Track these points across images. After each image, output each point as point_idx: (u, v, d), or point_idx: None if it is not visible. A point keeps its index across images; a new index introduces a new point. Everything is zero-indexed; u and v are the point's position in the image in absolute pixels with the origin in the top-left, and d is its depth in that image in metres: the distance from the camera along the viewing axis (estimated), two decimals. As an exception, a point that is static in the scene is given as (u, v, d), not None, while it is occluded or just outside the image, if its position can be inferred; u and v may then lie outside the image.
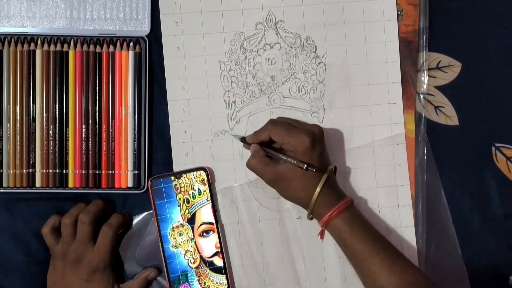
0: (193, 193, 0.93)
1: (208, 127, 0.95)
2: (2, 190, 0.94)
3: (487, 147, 0.97)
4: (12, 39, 0.94)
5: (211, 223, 0.93)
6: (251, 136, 0.91)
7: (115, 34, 0.95)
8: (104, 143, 0.94)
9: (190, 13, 0.95)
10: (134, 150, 0.94)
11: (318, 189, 0.86)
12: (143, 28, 0.95)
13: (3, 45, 0.93)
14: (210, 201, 0.93)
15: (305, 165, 0.84)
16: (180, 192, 0.93)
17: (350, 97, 0.96)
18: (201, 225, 0.93)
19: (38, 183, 0.94)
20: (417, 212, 0.96)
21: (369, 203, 0.96)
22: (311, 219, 0.89)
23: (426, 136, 0.96)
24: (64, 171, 0.94)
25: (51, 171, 0.94)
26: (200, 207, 0.93)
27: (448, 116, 0.97)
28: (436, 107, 0.97)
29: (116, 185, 0.94)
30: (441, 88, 0.98)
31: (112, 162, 0.94)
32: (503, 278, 0.96)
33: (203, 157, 0.95)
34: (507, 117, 0.98)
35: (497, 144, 0.97)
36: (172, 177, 0.93)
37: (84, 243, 0.90)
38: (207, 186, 0.93)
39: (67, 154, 0.94)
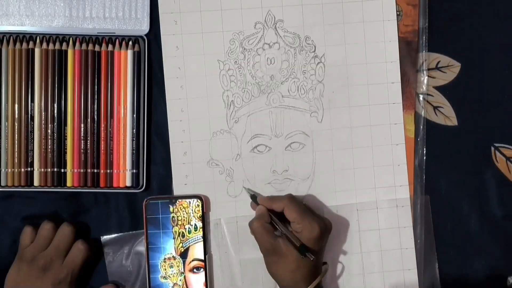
0: (189, 227, 0.93)
1: (206, 126, 0.95)
2: (0, 189, 0.94)
3: (487, 147, 0.97)
4: (11, 37, 0.93)
5: (202, 260, 0.93)
6: (264, 198, 0.91)
7: (114, 33, 0.95)
8: (102, 142, 0.94)
9: (189, 12, 0.95)
10: (132, 149, 0.94)
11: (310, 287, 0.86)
12: (142, 27, 0.95)
13: (1, 43, 0.93)
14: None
15: (304, 252, 0.84)
16: (176, 225, 0.93)
17: (349, 97, 0.96)
18: (192, 260, 0.93)
19: (36, 182, 0.93)
20: (416, 212, 0.96)
21: (367, 203, 0.96)
22: None
23: (425, 137, 0.96)
24: (62, 170, 0.94)
25: (49, 170, 0.93)
26: (194, 243, 0.93)
27: (447, 116, 0.97)
28: (435, 108, 0.97)
29: (115, 184, 0.94)
30: (440, 89, 0.98)
31: (110, 161, 0.94)
32: (502, 279, 0.96)
33: (202, 156, 0.95)
34: (507, 117, 0.98)
35: (496, 144, 0.97)
36: (171, 208, 0.92)
37: (59, 252, 0.90)
38: (202, 223, 0.93)
39: (65, 153, 0.94)
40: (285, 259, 0.86)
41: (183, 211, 0.93)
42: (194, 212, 0.93)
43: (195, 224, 0.93)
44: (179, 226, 0.93)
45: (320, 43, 0.95)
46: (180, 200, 0.93)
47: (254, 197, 0.92)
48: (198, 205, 0.93)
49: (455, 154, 0.97)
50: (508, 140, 0.97)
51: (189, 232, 0.93)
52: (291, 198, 0.90)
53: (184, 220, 0.93)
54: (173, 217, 0.93)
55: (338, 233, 0.95)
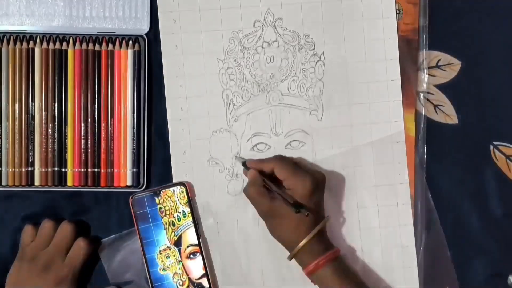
0: (178, 215, 0.93)
1: (206, 125, 0.95)
2: (1, 189, 0.94)
3: (487, 145, 0.97)
4: (11, 37, 0.94)
5: (197, 245, 0.93)
6: (253, 161, 0.91)
7: (114, 32, 0.95)
8: (103, 141, 0.94)
9: (188, 11, 0.95)
10: (133, 149, 0.94)
11: (306, 238, 0.85)
12: (142, 26, 0.95)
13: (1, 43, 0.94)
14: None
15: (298, 208, 0.83)
16: (165, 215, 0.93)
17: (349, 95, 0.96)
18: (187, 247, 0.93)
19: (37, 182, 0.94)
20: (416, 210, 0.96)
21: (368, 201, 0.95)
22: (291, 259, 0.88)
23: (425, 135, 0.96)
24: (63, 170, 0.94)
25: (50, 169, 0.94)
26: (185, 229, 0.93)
27: (448, 114, 0.97)
28: (436, 106, 0.97)
29: (115, 184, 0.94)
30: (440, 87, 0.97)
31: (111, 160, 0.94)
32: (502, 278, 0.96)
33: (201, 155, 0.95)
34: (507, 115, 0.97)
35: (496, 143, 0.97)
36: (156, 200, 0.93)
37: (60, 250, 0.90)
38: (189, 208, 0.93)
39: (66, 152, 0.94)
40: (285, 220, 0.86)
41: (168, 200, 0.93)
42: (179, 199, 0.93)
43: (183, 211, 0.93)
44: (168, 216, 0.93)
45: (320, 41, 0.95)
46: (164, 190, 0.93)
47: (245, 163, 0.92)
48: (182, 192, 0.93)
49: (456, 152, 0.97)
50: (508, 139, 0.97)
51: (179, 219, 0.93)
52: (279, 157, 0.91)
53: (171, 209, 0.93)
54: (160, 208, 0.93)
55: (340, 228, 0.95)
